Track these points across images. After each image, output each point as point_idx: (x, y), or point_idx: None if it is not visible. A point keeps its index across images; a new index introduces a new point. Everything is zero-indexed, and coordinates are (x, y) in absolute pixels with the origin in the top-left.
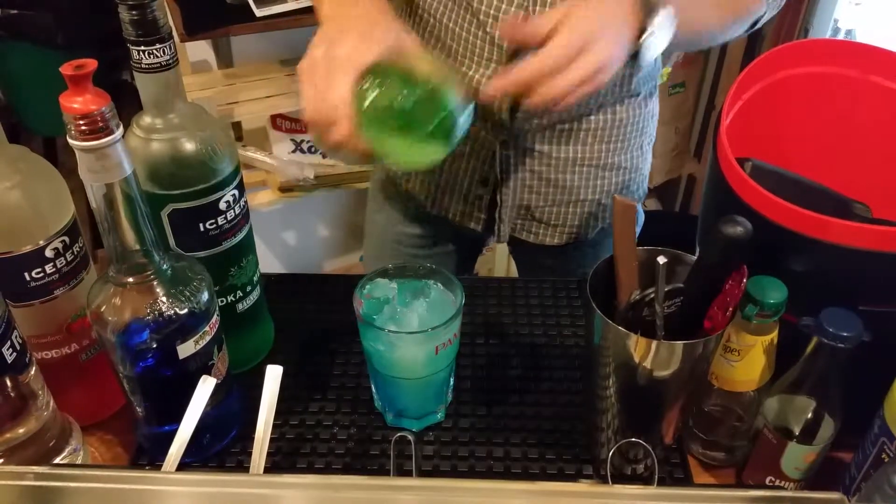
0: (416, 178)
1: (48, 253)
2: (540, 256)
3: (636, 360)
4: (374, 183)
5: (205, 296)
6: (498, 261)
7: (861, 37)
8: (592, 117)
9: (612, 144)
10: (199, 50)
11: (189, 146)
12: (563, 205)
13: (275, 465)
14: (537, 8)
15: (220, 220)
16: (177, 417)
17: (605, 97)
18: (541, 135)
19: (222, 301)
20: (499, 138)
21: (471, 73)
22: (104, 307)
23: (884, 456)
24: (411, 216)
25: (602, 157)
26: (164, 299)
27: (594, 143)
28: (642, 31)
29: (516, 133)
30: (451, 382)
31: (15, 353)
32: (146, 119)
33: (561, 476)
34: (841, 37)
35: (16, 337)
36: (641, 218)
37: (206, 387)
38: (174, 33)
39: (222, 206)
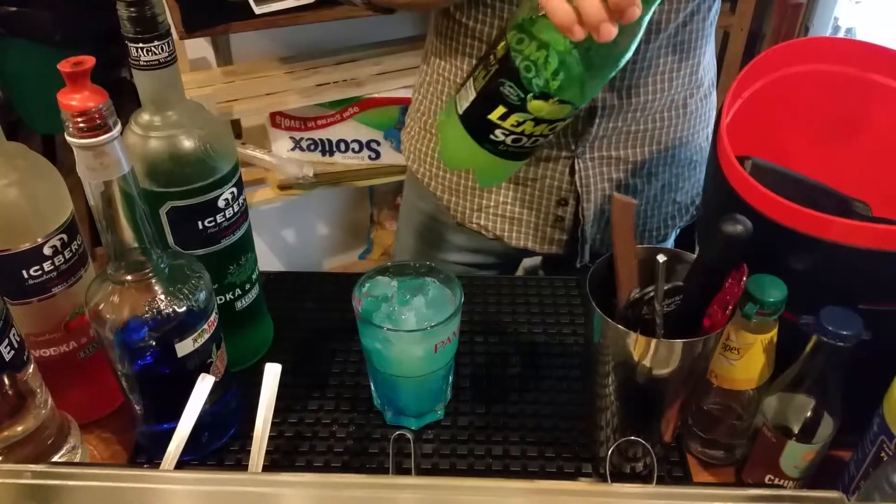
0: (484, 213)
1: (46, 251)
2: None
3: (636, 358)
4: (412, 213)
5: (203, 294)
6: None
7: (861, 35)
8: (666, 114)
9: (684, 138)
10: (198, 47)
11: (188, 144)
12: (644, 208)
13: (273, 463)
14: None
15: (219, 218)
16: (175, 415)
17: (676, 91)
18: (617, 139)
19: (221, 299)
20: (577, 150)
21: None
22: (102, 305)
23: (883, 454)
24: (456, 246)
25: (676, 153)
26: (162, 297)
27: (667, 141)
28: None
29: (593, 141)
30: (451, 381)
31: (13, 351)
32: (144, 116)
33: (560, 474)
34: (841, 35)
35: (14, 335)
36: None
37: (204, 385)
38: (173, 30)
39: (221, 203)
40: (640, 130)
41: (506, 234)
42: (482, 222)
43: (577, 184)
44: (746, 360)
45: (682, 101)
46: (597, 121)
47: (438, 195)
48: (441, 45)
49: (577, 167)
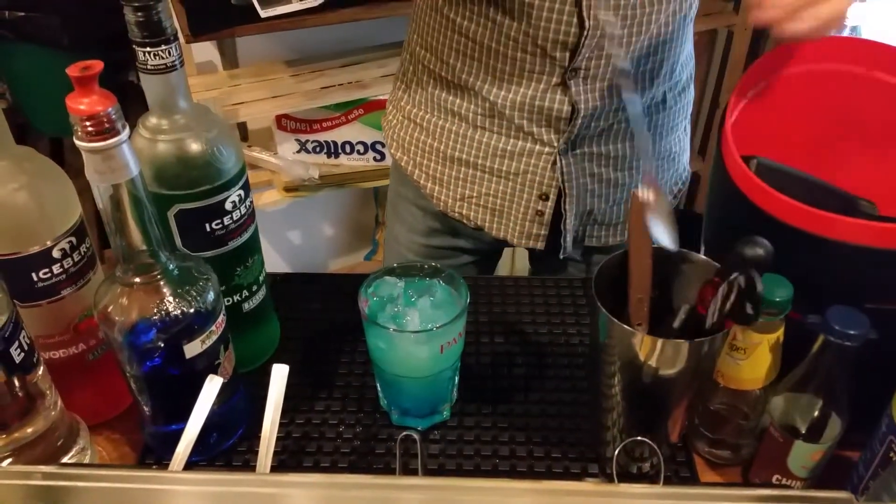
0: (466, 203)
1: (55, 253)
2: (596, 259)
3: (641, 358)
4: (396, 197)
5: (211, 295)
6: (502, 259)
7: (866, 33)
8: (646, 111)
9: (663, 131)
10: (205, 51)
11: (195, 147)
12: (624, 202)
13: (281, 463)
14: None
15: (226, 220)
16: (184, 416)
17: (656, 89)
18: (598, 136)
19: (228, 301)
20: (558, 147)
21: (521, 89)
22: (111, 307)
23: (891, 454)
24: (437, 230)
25: (656, 146)
26: (170, 299)
27: (649, 136)
28: None
29: (576, 139)
30: (457, 381)
31: (23, 353)
32: (152, 120)
33: (566, 475)
34: (846, 33)
35: (24, 337)
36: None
37: (212, 386)
38: (179, 34)
39: (228, 206)
40: (622, 128)
41: (486, 224)
42: (464, 212)
43: (560, 179)
44: (753, 359)
45: (662, 96)
46: (579, 121)
47: (422, 184)
48: (427, 37)
49: (559, 163)
